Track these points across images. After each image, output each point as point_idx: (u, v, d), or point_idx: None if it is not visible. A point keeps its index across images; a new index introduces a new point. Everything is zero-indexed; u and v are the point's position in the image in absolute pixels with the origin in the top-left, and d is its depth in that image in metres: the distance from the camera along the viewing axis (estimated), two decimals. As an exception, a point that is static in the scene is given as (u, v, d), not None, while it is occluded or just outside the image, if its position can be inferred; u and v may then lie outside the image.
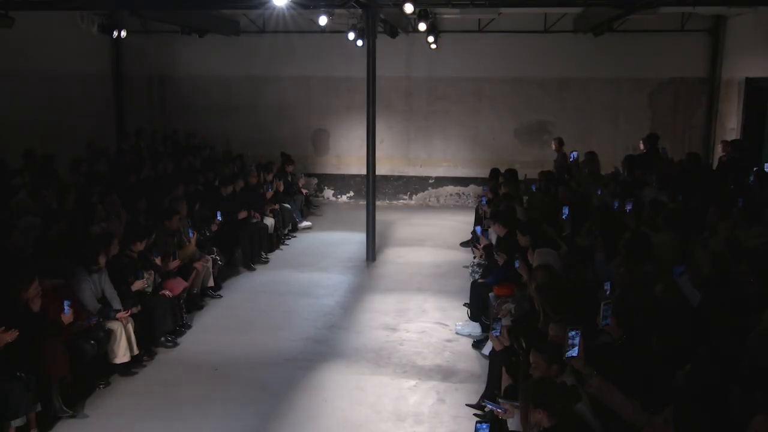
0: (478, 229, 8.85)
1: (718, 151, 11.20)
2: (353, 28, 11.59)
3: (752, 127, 12.09)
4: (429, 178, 14.81)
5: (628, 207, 7.45)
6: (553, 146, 12.26)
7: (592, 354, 3.87)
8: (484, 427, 4.11)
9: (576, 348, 3.80)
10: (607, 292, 4.97)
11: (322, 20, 10.55)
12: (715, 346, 4.14)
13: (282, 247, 11.11)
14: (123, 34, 12.93)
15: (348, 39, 11.77)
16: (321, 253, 10.71)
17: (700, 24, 13.27)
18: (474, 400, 5.75)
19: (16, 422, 4.82)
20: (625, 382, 3.74)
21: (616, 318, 4.38)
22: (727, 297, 4.65)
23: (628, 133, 13.51)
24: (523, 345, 4.45)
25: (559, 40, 13.56)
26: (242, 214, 9.94)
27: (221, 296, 8.56)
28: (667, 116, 13.85)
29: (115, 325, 6.03)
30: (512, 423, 4.30)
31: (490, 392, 5.42)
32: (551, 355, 4.06)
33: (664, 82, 13.76)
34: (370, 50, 9.84)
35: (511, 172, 10.55)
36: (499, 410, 4.36)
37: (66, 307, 5.40)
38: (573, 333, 3.82)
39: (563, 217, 7.44)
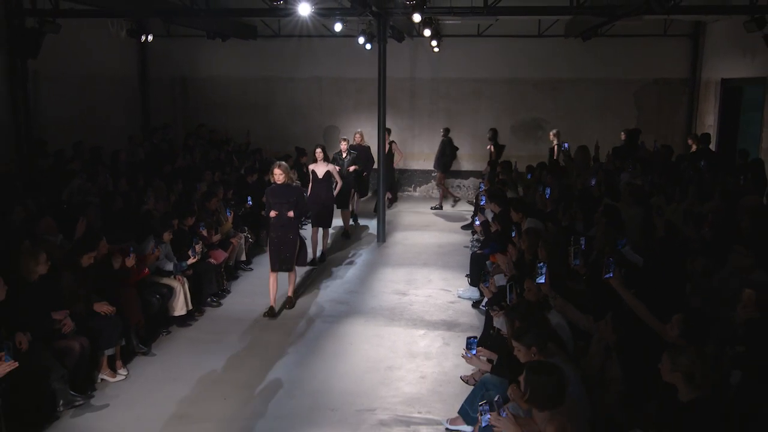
0: (477, 220, 9.90)
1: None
2: (363, 33, 12.64)
3: (728, 123, 13.22)
4: (432, 171, 15.84)
5: (592, 182, 9.01)
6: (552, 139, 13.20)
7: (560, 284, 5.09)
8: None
9: (543, 276, 5.00)
10: (582, 246, 6.06)
11: (338, 27, 11.67)
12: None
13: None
14: (149, 38, 13.91)
15: (358, 43, 12.81)
16: (335, 236, 11.81)
17: (682, 29, 14.28)
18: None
19: (109, 351, 6.03)
20: (585, 302, 4.96)
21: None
22: (677, 249, 5.86)
23: (616, 130, 14.50)
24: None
25: (552, 44, 14.56)
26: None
27: (252, 269, 9.74)
28: (652, 114, 14.87)
29: (175, 284, 7.22)
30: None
31: (485, 336, 6.57)
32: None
33: (649, 83, 14.80)
34: (381, 54, 10.93)
35: (507, 163, 11.72)
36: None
37: (130, 253, 6.52)
38: (541, 264, 5.02)
39: (546, 196, 8.63)
